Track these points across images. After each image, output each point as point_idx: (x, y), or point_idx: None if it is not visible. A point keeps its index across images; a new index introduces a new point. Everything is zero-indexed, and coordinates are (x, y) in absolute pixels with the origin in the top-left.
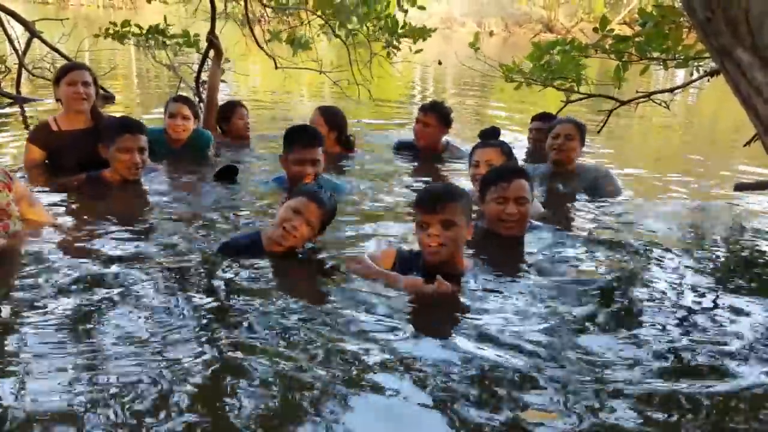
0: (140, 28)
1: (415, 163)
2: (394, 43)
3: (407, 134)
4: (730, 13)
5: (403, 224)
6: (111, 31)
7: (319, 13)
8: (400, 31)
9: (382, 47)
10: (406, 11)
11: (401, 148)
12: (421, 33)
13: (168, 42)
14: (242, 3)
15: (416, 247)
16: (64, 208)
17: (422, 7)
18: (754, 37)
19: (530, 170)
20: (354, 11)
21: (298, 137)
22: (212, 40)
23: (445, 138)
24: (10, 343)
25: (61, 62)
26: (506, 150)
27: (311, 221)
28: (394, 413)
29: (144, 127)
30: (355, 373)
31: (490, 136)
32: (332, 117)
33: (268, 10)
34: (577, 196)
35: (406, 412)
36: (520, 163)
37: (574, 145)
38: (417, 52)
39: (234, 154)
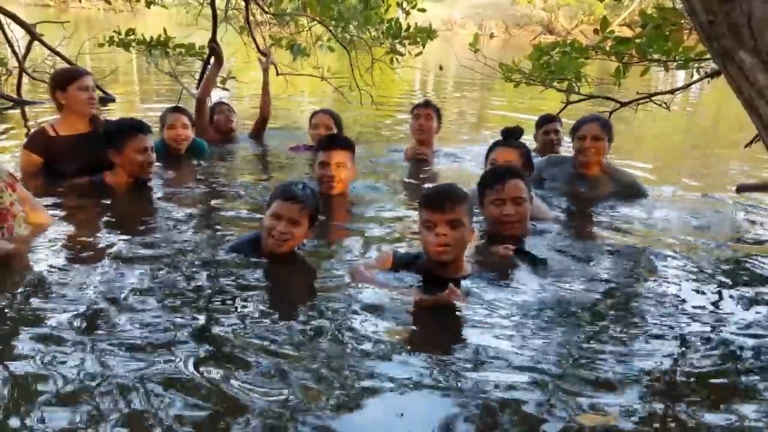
0: (144, 39)
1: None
2: (398, 48)
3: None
4: (732, 17)
5: (402, 226)
6: (116, 39)
7: (319, 19)
8: (404, 33)
9: (385, 52)
10: (408, 13)
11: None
12: (427, 33)
13: (171, 52)
14: (243, 9)
15: (413, 249)
16: (68, 212)
17: (422, 10)
18: (757, 40)
19: (554, 172)
20: (354, 17)
21: None
22: (213, 47)
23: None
24: (13, 346)
25: (61, 65)
26: (525, 152)
27: (295, 219)
28: (421, 421)
29: (149, 127)
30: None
31: (513, 134)
32: (338, 118)
33: (269, 15)
34: (601, 202)
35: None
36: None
37: (602, 146)
38: (417, 54)
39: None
